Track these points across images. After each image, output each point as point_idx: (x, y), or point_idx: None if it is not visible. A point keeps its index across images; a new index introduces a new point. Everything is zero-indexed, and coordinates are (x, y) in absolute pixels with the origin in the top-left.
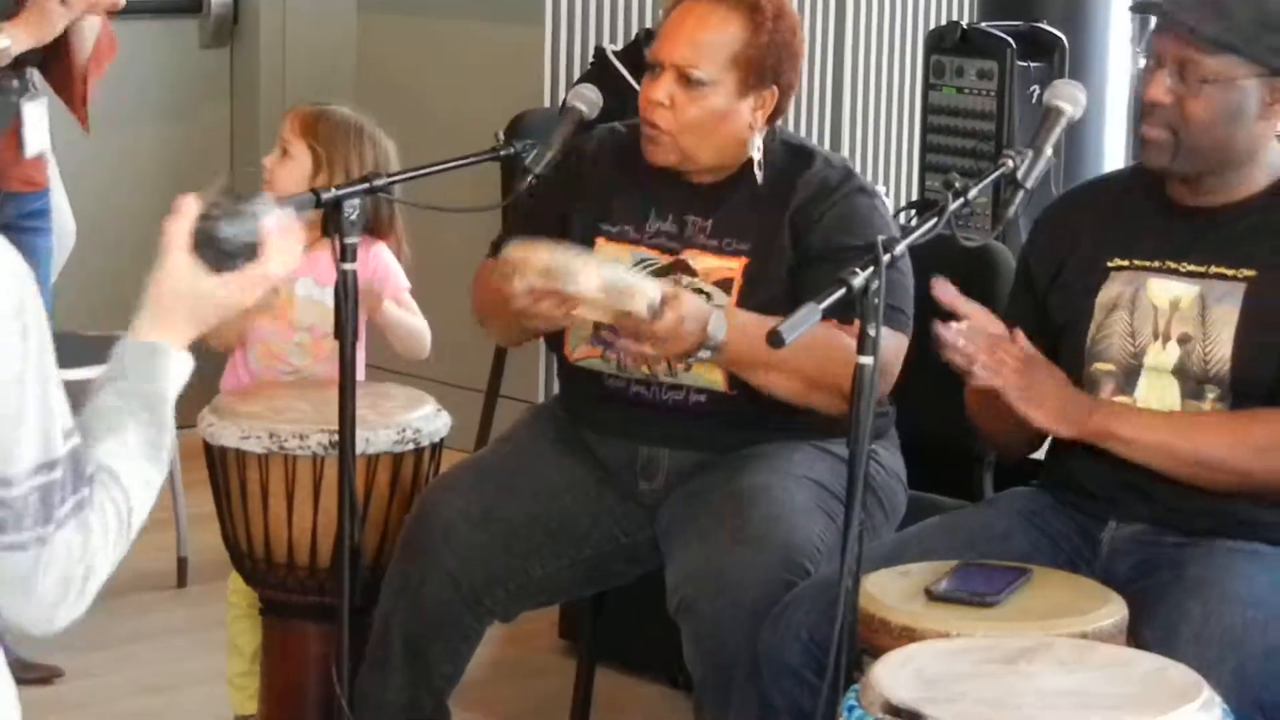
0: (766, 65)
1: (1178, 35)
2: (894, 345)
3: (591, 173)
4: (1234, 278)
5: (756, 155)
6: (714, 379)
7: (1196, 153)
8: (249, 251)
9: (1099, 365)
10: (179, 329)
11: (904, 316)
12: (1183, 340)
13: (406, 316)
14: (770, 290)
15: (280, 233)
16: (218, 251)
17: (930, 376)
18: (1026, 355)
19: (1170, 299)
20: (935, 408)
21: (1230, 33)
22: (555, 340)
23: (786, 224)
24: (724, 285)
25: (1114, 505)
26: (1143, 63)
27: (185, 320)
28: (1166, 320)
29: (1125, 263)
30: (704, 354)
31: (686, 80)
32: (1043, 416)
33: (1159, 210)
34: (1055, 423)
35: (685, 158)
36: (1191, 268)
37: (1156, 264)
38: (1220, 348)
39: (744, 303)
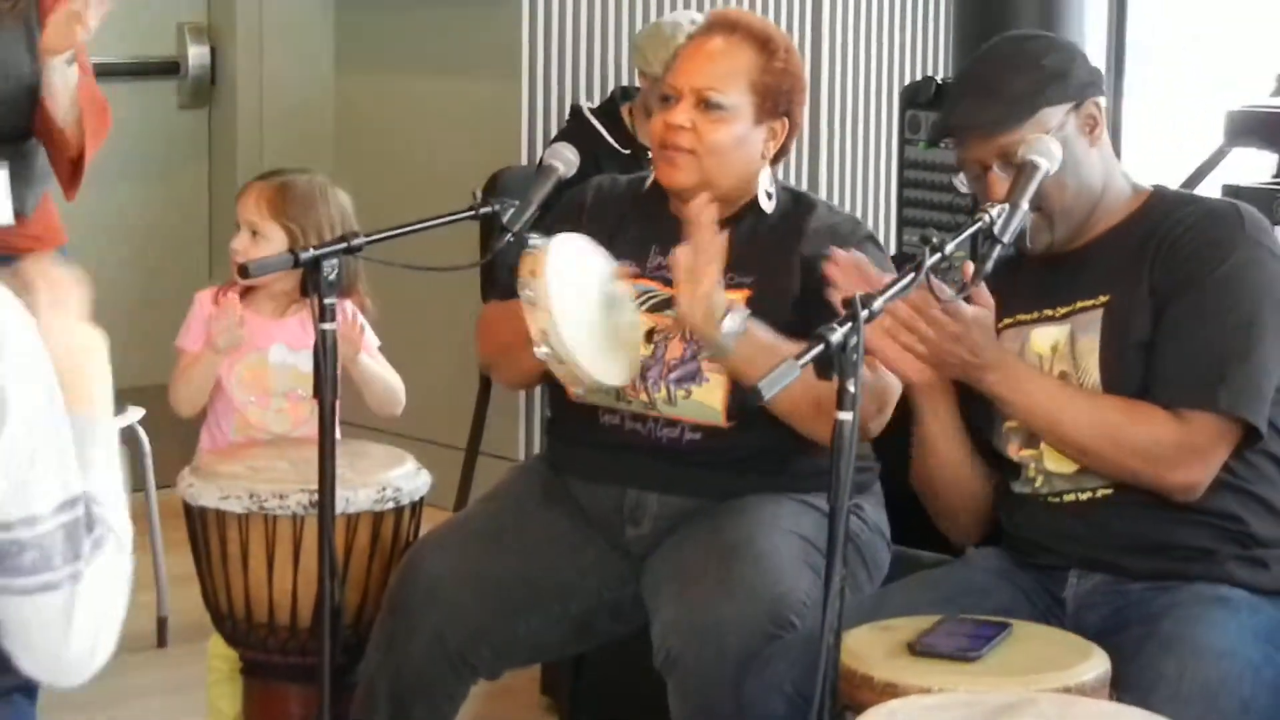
0: (781, 93)
1: (979, 139)
2: (891, 382)
3: (592, 218)
4: (1094, 306)
5: (768, 188)
6: (713, 406)
7: (1068, 214)
8: None
9: (1007, 424)
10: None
11: None
12: (1062, 379)
13: (380, 370)
14: (773, 324)
15: None
16: None
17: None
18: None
19: (1050, 344)
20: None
21: (1018, 103)
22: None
23: (797, 265)
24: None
25: (1069, 557)
26: (964, 183)
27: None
28: (1049, 365)
29: (1010, 320)
30: (727, 328)
31: (706, 104)
32: (944, 373)
33: (1037, 263)
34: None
35: (704, 180)
36: (1062, 310)
37: (1034, 315)
38: (1090, 375)
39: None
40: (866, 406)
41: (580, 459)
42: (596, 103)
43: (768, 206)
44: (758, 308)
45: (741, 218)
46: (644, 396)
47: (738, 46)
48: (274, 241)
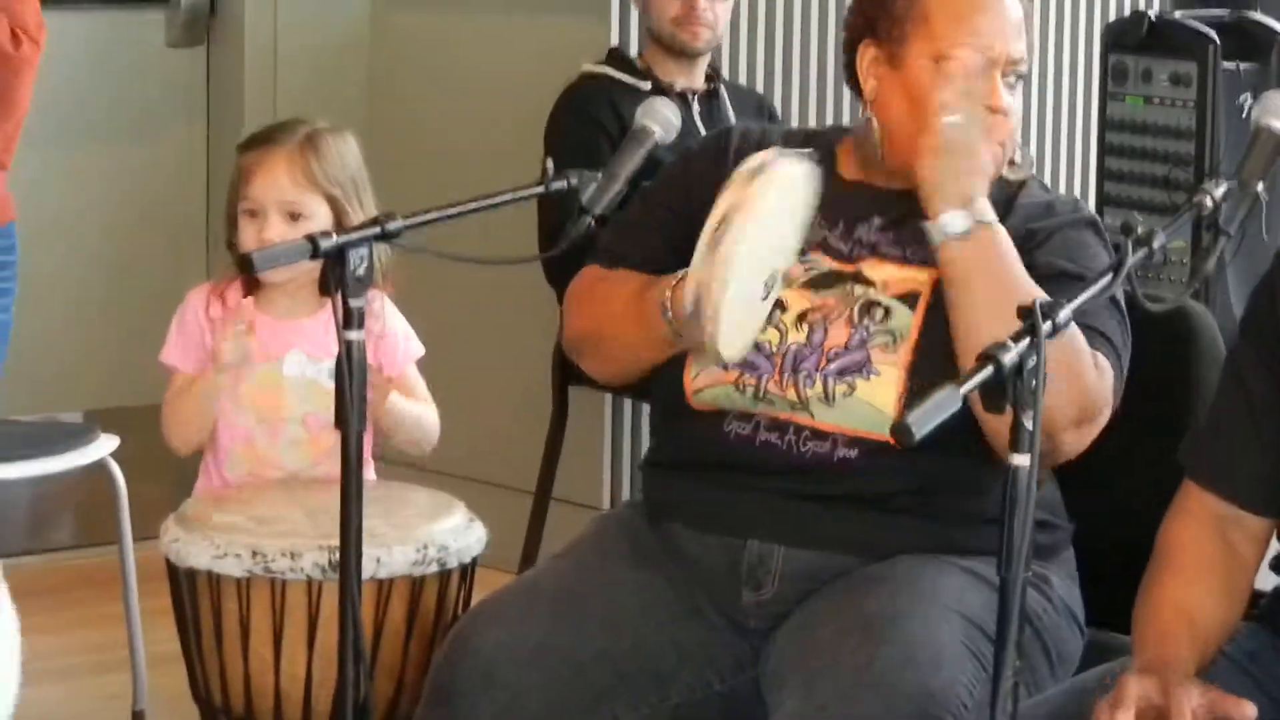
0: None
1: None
2: (1103, 384)
3: (734, 167)
4: None
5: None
6: (881, 409)
7: None
8: None
9: None
10: None
11: (1112, 349)
12: None
13: (412, 408)
14: None
15: None
16: None
17: (1117, 482)
18: None
19: None
20: (1124, 521)
21: None
22: (669, 374)
23: None
24: (907, 299)
25: None
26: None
27: None
28: None
29: None
30: (962, 219)
31: (1015, 77)
32: None
33: None
34: None
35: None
36: None
37: None
38: None
39: (930, 323)
40: (1066, 410)
41: (688, 494)
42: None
43: (1013, 171)
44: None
45: None
46: (793, 393)
47: None
48: (317, 221)
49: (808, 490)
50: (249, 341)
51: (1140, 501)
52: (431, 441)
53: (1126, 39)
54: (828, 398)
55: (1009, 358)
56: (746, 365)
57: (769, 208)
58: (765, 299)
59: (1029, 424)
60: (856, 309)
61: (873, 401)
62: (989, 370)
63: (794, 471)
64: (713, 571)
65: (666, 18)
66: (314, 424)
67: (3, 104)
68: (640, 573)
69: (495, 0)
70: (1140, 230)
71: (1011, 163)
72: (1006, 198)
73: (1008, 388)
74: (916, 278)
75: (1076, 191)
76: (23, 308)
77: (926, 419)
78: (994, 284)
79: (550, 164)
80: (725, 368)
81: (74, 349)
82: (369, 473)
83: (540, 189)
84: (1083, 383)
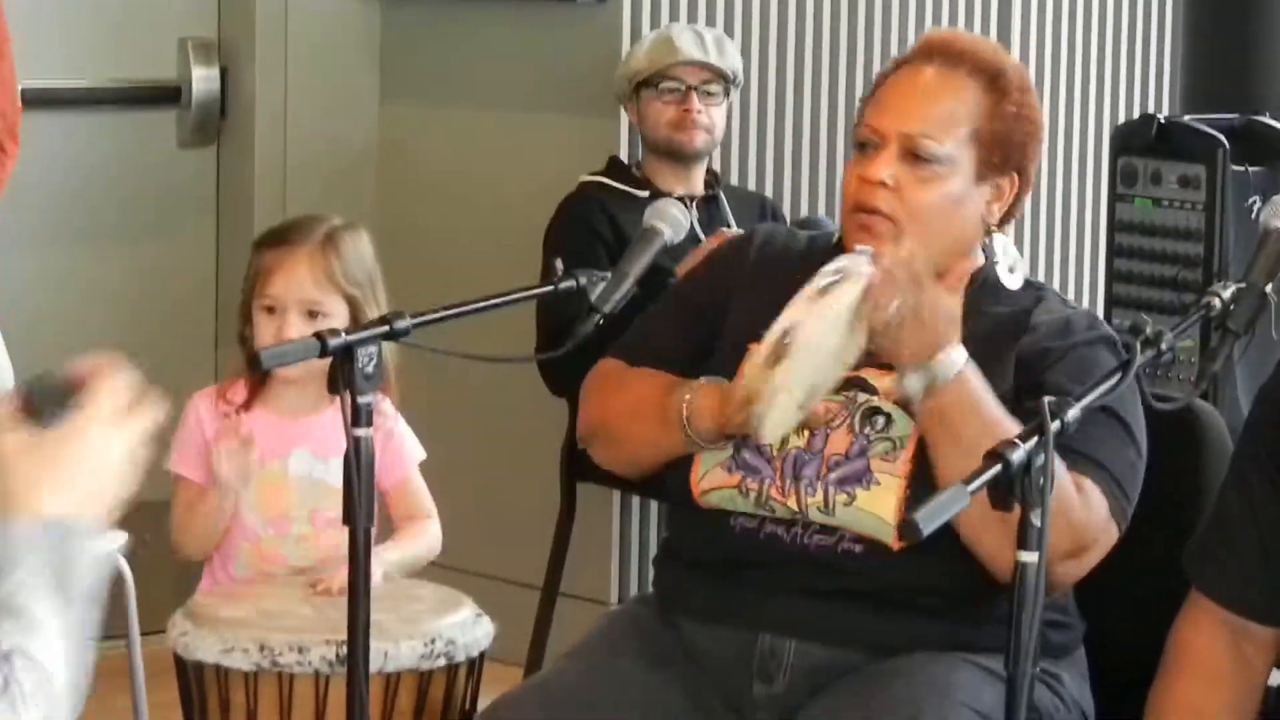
0: (1012, 144)
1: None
2: (1092, 515)
3: (760, 274)
4: None
5: (1009, 260)
6: (882, 517)
7: None
8: (61, 394)
9: None
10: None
11: (1108, 475)
12: None
13: (405, 554)
14: None
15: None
16: (33, 405)
17: (1127, 581)
18: None
19: None
20: (1135, 621)
21: None
22: (678, 473)
23: (1012, 356)
24: (906, 405)
25: None
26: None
27: (60, 487)
28: None
29: None
30: (918, 379)
31: (914, 157)
32: None
33: None
34: None
35: None
36: None
37: None
38: None
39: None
40: (1056, 544)
41: (699, 588)
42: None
43: (1010, 281)
44: None
45: (967, 292)
46: (792, 501)
47: (961, 84)
48: (339, 320)
49: (820, 585)
50: (247, 457)
51: (1151, 601)
52: (431, 557)
53: (1135, 141)
54: (828, 507)
55: (1017, 456)
56: (749, 469)
57: (828, 330)
58: (802, 407)
59: (1036, 521)
60: (858, 416)
61: (873, 510)
62: (997, 468)
63: (802, 564)
64: (723, 664)
65: (662, 123)
66: (320, 521)
67: None
68: (650, 673)
69: (505, 100)
70: (1149, 331)
71: (1011, 269)
72: (1020, 311)
73: (1016, 485)
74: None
75: (1086, 292)
76: None
77: (933, 516)
78: (960, 434)
79: (560, 263)
80: (760, 497)
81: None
82: (375, 570)
83: (550, 288)
84: (1066, 519)
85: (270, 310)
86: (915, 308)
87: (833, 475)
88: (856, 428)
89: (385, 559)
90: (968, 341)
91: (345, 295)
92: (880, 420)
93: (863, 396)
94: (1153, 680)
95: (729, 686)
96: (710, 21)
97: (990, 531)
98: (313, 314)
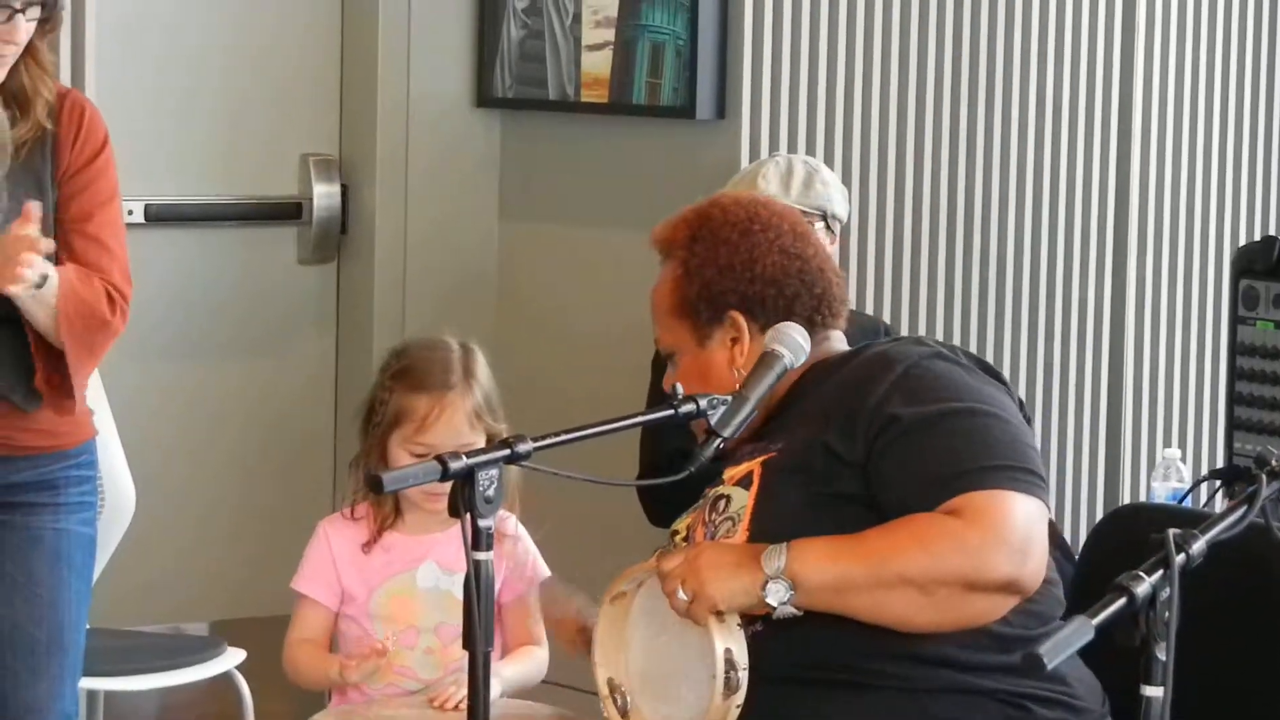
0: (701, 299)
1: None
2: (1023, 511)
3: None
4: None
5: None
6: None
7: None
8: None
9: None
10: None
11: (1026, 475)
12: None
13: (518, 672)
14: (790, 481)
15: None
16: None
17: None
18: None
19: None
20: None
21: None
22: None
23: (843, 417)
24: (743, 481)
25: None
26: None
27: None
28: None
29: None
30: (778, 593)
31: (672, 359)
32: None
33: None
34: None
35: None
36: None
37: None
38: None
39: (761, 499)
40: (953, 577)
41: None
42: None
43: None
44: (778, 464)
45: (783, 403)
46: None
47: (661, 277)
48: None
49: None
50: (380, 665)
51: None
52: (539, 679)
53: (1257, 264)
54: None
55: (1142, 589)
56: None
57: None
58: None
59: (1161, 655)
60: (708, 507)
61: None
62: (1122, 601)
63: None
64: None
65: None
66: (446, 634)
67: (91, 360)
68: None
69: (623, 217)
70: (1276, 462)
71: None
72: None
73: (1141, 619)
74: (752, 464)
75: (1206, 416)
76: (152, 519)
77: (1058, 650)
78: (854, 595)
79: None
80: None
81: (201, 561)
82: (495, 690)
83: (670, 411)
84: (955, 562)
85: (421, 457)
86: (697, 580)
87: None
88: (706, 517)
89: (503, 675)
90: (790, 419)
91: (489, 431)
92: (723, 503)
93: (714, 490)
94: None
95: None
96: (828, 137)
97: (897, 602)
98: None
